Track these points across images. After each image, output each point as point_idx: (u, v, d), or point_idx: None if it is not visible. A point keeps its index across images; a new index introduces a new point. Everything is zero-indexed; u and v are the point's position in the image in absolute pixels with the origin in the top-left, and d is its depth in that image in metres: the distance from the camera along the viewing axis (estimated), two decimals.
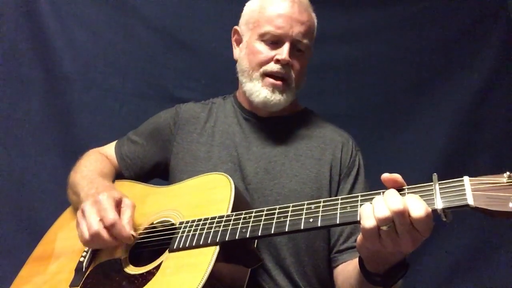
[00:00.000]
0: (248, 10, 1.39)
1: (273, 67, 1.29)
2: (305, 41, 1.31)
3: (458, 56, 2.17)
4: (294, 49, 1.31)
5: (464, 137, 2.12)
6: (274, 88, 1.29)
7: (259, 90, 1.30)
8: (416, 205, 0.80)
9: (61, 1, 2.00)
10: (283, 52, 1.28)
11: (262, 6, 1.34)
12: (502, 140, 2.09)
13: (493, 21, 2.16)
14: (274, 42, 1.30)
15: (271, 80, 1.29)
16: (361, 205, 0.87)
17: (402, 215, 0.80)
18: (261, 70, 1.30)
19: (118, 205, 1.10)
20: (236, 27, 1.43)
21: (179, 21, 2.14)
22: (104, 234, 1.05)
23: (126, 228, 1.06)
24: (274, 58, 1.29)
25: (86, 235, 1.06)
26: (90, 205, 1.08)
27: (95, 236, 1.05)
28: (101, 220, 1.05)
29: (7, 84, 1.92)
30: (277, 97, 1.29)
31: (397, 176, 0.87)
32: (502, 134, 2.10)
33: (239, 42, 1.41)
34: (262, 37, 1.31)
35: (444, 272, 2.06)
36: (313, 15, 1.38)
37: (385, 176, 0.87)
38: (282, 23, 1.28)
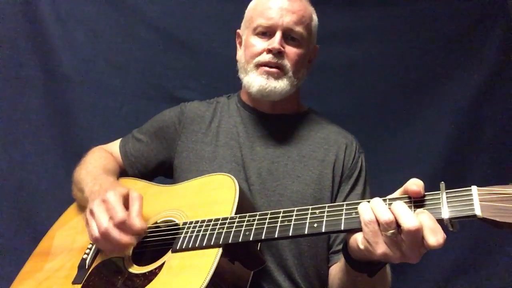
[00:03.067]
0: (246, 11, 1.42)
1: (265, 57, 1.30)
2: (297, 29, 1.31)
3: (458, 56, 2.16)
4: (288, 38, 1.32)
5: (464, 137, 2.11)
6: (268, 75, 1.29)
7: (254, 80, 1.31)
8: (431, 228, 0.78)
9: (61, 1, 1.99)
10: (274, 41, 1.28)
11: (257, 4, 1.38)
12: (502, 140, 2.08)
13: (493, 21, 2.15)
14: (267, 33, 1.32)
15: (266, 68, 1.30)
16: None
17: (414, 235, 0.78)
18: (255, 61, 1.31)
19: (125, 199, 1.09)
20: (238, 30, 1.46)
21: (179, 21, 2.13)
22: (114, 232, 1.03)
23: (136, 221, 1.04)
24: (266, 49, 1.29)
25: (96, 234, 1.05)
26: (98, 205, 1.08)
27: (105, 235, 1.04)
28: (111, 218, 1.04)
29: (7, 84, 1.91)
30: (272, 84, 1.29)
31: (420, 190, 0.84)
32: (502, 134, 2.09)
33: (241, 43, 1.43)
34: (255, 31, 1.33)
35: (444, 272, 2.05)
36: (309, 7, 1.39)
37: (413, 189, 0.84)
38: (272, 14, 1.30)
